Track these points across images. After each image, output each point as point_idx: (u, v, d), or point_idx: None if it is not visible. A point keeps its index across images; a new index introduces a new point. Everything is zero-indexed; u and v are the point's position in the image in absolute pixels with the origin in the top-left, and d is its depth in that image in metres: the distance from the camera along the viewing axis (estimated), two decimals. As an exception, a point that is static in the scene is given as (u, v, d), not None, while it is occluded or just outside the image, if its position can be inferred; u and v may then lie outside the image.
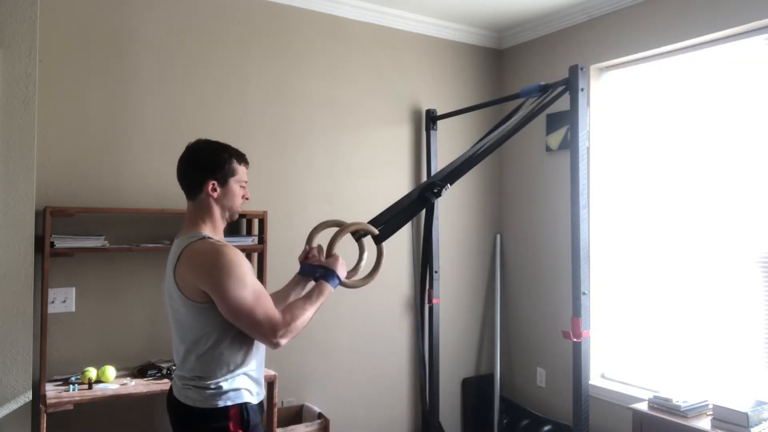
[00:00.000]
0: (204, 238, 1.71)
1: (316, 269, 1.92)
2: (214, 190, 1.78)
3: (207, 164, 1.79)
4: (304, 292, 1.95)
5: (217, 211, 1.81)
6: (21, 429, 2.38)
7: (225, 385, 1.69)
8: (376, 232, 2.09)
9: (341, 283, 1.92)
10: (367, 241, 2.08)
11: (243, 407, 1.71)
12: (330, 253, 1.95)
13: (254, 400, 1.76)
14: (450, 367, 3.89)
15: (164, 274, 1.74)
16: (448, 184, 2.45)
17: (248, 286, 1.64)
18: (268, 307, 1.67)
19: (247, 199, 1.89)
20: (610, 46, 3.41)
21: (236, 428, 1.69)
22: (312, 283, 1.92)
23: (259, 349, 1.80)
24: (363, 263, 2.02)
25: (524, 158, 3.95)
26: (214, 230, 1.79)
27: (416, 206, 2.44)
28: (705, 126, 3.05)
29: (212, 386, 1.68)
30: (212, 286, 1.62)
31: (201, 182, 1.78)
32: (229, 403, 1.69)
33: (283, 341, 1.66)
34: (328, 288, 1.84)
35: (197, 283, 1.64)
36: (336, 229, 2.00)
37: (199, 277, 1.64)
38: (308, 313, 1.74)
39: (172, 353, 1.84)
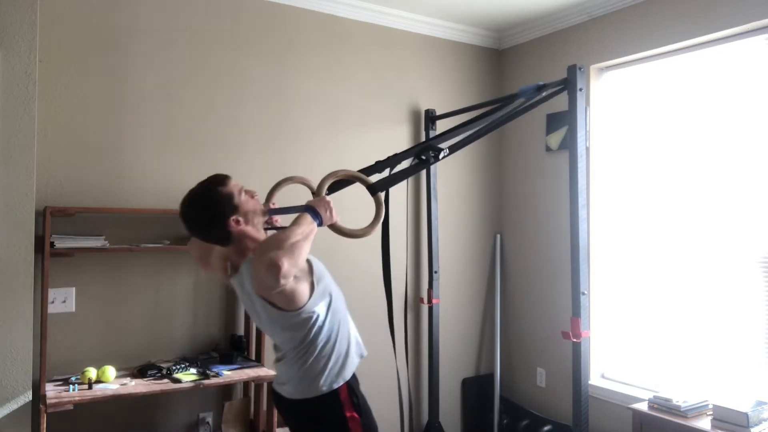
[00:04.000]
0: (250, 261, 1.77)
1: (290, 209, 1.88)
2: (237, 222, 1.77)
3: (215, 213, 1.76)
4: None
5: (251, 230, 1.81)
6: (21, 429, 2.39)
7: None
8: (369, 181, 2.02)
9: (335, 229, 1.84)
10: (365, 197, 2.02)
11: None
12: (318, 195, 1.86)
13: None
14: (450, 367, 3.89)
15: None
16: (447, 149, 2.43)
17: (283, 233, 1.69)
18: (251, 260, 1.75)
19: (256, 194, 1.87)
20: (610, 46, 3.41)
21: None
22: None
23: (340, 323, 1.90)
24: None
25: (524, 158, 3.95)
26: (257, 242, 1.80)
27: (414, 166, 2.41)
28: (705, 126, 3.05)
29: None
30: (272, 272, 1.59)
31: (226, 229, 1.76)
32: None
33: (283, 263, 1.56)
34: (308, 217, 1.74)
35: (276, 287, 1.63)
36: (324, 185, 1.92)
37: (267, 282, 1.63)
38: (288, 234, 1.64)
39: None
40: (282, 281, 1.57)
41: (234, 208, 1.77)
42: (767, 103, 2.81)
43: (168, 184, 3.01)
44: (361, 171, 2.19)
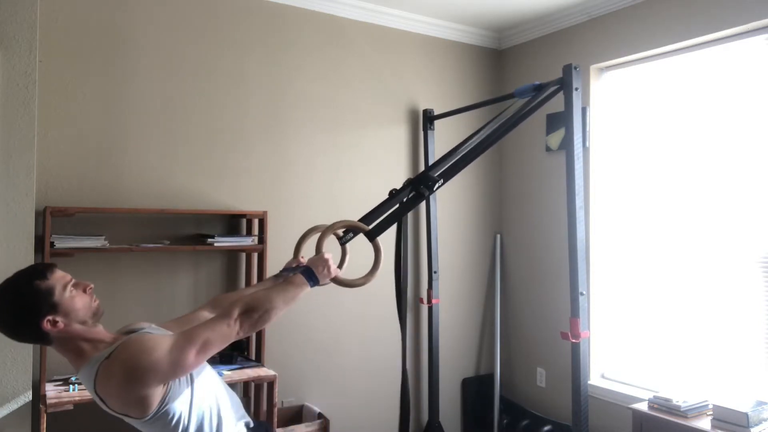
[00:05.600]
0: (97, 363, 1.49)
1: (294, 269, 1.82)
2: (55, 323, 1.47)
3: (24, 312, 1.46)
4: None
5: (77, 329, 1.51)
6: (21, 429, 2.38)
7: None
8: (367, 228, 2.02)
9: (337, 282, 1.83)
10: (362, 239, 2.05)
11: None
12: (317, 252, 1.84)
13: None
14: (450, 367, 3.89)
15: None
16: (442, 180, 2.41)
17: (161, 337, 1.52)
18: (197, 322, 1.60)
19: (90, 287, 1.62)
20: (609, 46, 3.41)
21: None
22: None
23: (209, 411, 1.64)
24: (345, 265, 1.93)
25: (524, 158, 3.95)
26: (94, 345, 1.54)
27: (410, 201, 2.40)
28: (705, 126, 3.05)
29: None
30: (144, 377, 1.45)
31: (39, 331, 1.47)
32: None
33: (242, 327, 1.52)
34: (300, 279, 1.69)
35: (134, 395, 1.47)
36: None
37: (126, 390, 1.46)
38: (268, 297, 1.58)
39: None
40: (232, 334, 1.52)
41: (51, 307, 1.47)
42: (767, 103, 2.81)
43: (168, 184, 3.01)
44: (363, 216, 2.20)
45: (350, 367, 3.55)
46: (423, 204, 3.78)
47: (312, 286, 1.72)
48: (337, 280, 1.84)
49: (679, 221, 3.15)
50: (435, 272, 3.67)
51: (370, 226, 2.05)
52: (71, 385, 2.55)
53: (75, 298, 1.53)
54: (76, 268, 2.73)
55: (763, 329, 2.80)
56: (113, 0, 2.90)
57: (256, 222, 3.16)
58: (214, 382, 1.70)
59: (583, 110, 3.34)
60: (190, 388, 1.58)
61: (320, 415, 3.15)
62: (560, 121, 3.62)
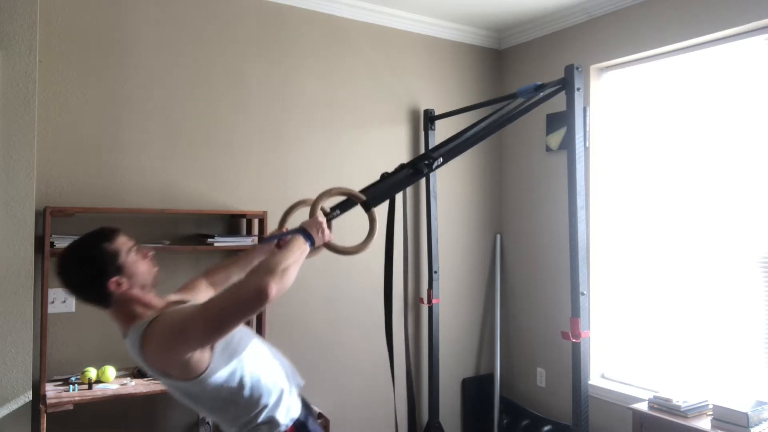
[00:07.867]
0: (142, 328, 1.56)
1: (288, 232, 1.79)
2: (119, 284, 1.57)
3: (93, 272, 1.56)
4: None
5: (136, 293, 1.60)
6: (21, 429, 2.39)
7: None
8: (363, 197, 2.01)
9: (329, 247, 1.82)
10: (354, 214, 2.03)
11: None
12: (311, 215, 1.81)
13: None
14: (450, 367, 3.89)
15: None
16: (441, 158, 2.39)
17: (194, 306, 1.57)
18: (227, 288, 1.60)
19: (150, 254, 1.69)
20: (609, 46, 3.41)
21: None
22: None
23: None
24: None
25: (524, 158, 3.95)
26: (146, 309, 1.61)
27: (409, 177, 2.39)
28: (705, 126, 3.05)
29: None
30: (176, 347, 1.50)
31: (103, 291, 1.56)
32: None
33: (272, 289, 1.46)
34: (299, 240, 1.67)
35: (171, 360, 1.53)
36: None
37: (164, 355, 1.53)
38: (276, 259, 1.54)
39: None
40: (264, 306, 1.50)
41: (117, 269, 1.57)
42: (767, 103, 2.81)
43: (168, 184, 3.01)
44: (364, 188, 2.20)
45: (350, 367, 3.55)
46: (423, 204, 3.78)
47: (311, 247, 1.71)
48: (330, 246, 1.83)
49: (678, 221, 3.15)
50: (435, 272, 3.67)
51: (366, 197, 2.02)
52: (71, 385, 2.55)
53: (138, 263, 1.62)
54: (76, 268, 2.75)
55: (763, 329, 2.80)
56: (113, 0, 2.90)
57: (256, 222, 3.16)
58: (264, 355, 1.74)
59: (583, 110, 3.34)
60: (239, 365, 1.62)
61: (320, 415, 3.14)
62: (560, 121, 3.62)
